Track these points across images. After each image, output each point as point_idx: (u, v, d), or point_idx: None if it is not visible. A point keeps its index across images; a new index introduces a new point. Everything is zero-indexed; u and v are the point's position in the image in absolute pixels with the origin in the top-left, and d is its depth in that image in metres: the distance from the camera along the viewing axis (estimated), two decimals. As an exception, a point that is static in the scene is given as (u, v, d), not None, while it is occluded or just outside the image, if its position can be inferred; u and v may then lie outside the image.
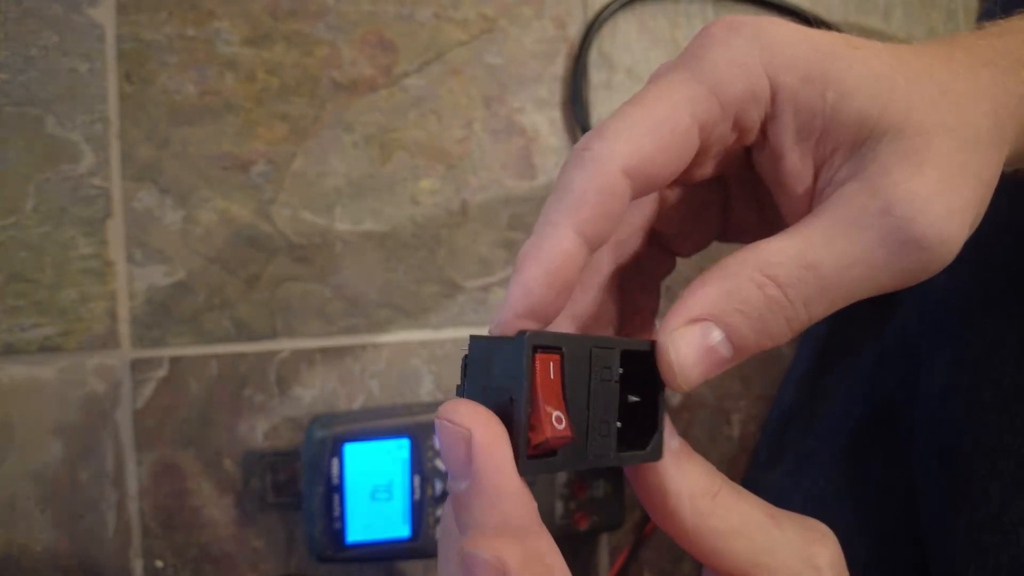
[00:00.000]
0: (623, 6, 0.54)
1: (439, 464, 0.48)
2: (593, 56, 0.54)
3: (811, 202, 0.23)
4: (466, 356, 0.21)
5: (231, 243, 0.51)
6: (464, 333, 0.53)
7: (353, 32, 0.52)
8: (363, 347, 0.52)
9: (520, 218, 0.54)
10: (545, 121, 0.54)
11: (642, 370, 0.22)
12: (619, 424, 0.21)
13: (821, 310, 0.22)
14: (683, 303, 0.22)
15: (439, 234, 0.53)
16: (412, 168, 0.53)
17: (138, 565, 0.50)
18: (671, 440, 0.23)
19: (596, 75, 0.55)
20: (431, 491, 0.48)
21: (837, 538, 0.24)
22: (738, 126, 0.23)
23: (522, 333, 0.19)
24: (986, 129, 0.22)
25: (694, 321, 0.21)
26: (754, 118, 0.22)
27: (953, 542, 0.34)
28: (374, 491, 0.48)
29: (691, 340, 0.21)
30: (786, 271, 0.21)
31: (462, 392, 0.21)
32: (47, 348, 0.49)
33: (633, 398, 0.22)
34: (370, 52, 0.52)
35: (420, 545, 0.48)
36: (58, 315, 0.49)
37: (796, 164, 0.23)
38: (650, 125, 0.21)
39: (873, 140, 0.21)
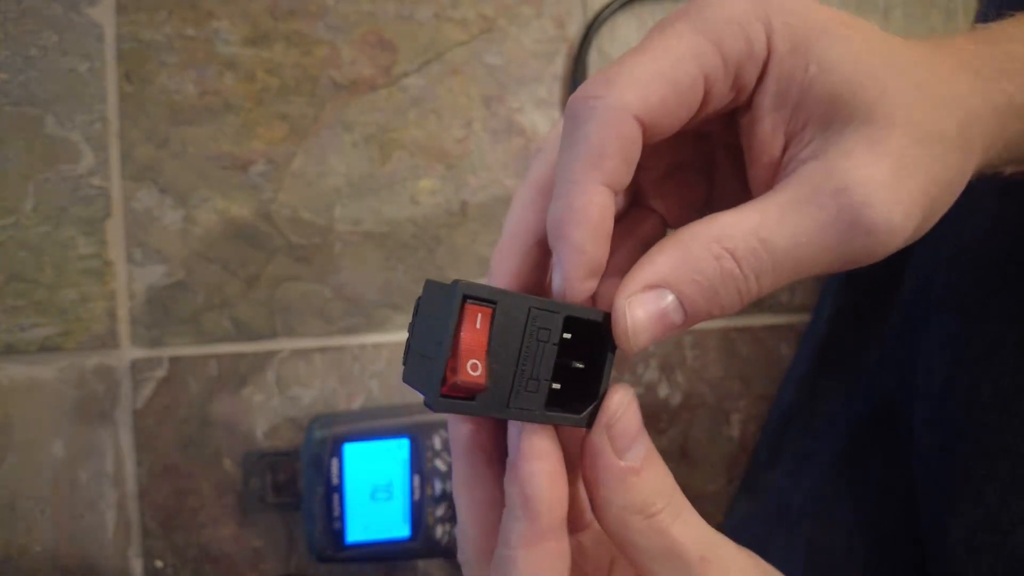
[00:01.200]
0: (623, 6, 0.54)
1: (439, 464, 0.48)
2: (593, 56, 0.54)
3: (776, 175, 0.23)
4: (419, 298, 0.22)
5: (231, 243, 0.51)
6: (464, 333, 0.53)
7: (353, 32, 0.52)
8: (363, 347, 0.52)
9: (520, 218, 0.54)
10: (545, 121, 0.54)
11: (593, 339, 0.22)
12: (557, 386, 0.22)
13: (769, 284, 0.22)
14: (640, 269, 0.22)
15: (439, 234, 0.53)
16: (412, 168, 0.53)
17: (138, 565, 0.50)
18: (640, 444, 0.22)
19: (596, 75, 0.55)
20: (431, 491, 0.48)
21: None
22: (735, 85, 0.23)
23: (456, 282, 0.20)
24: (952, 133, 0.22)
25: (649, 287, 0.22)
26: (750, 78, 0.22)
27: (952, 541, 0.34)
28: (374, 491, 0.48)
29: (646, 305, 0.22)
30: (742, 244, 0.21)
31: (412, 328, 0.22)
32: (47, 348, 0.49)
33: (578, 364, 0.22)
34: (370, 52, 0.52)
35: (420, 545, 0.48)
36: (58, 315, 0.49)
37: (768, 132, 0.23)
38: (658, 73, 0.21)
39: (841, 122, 0.22)
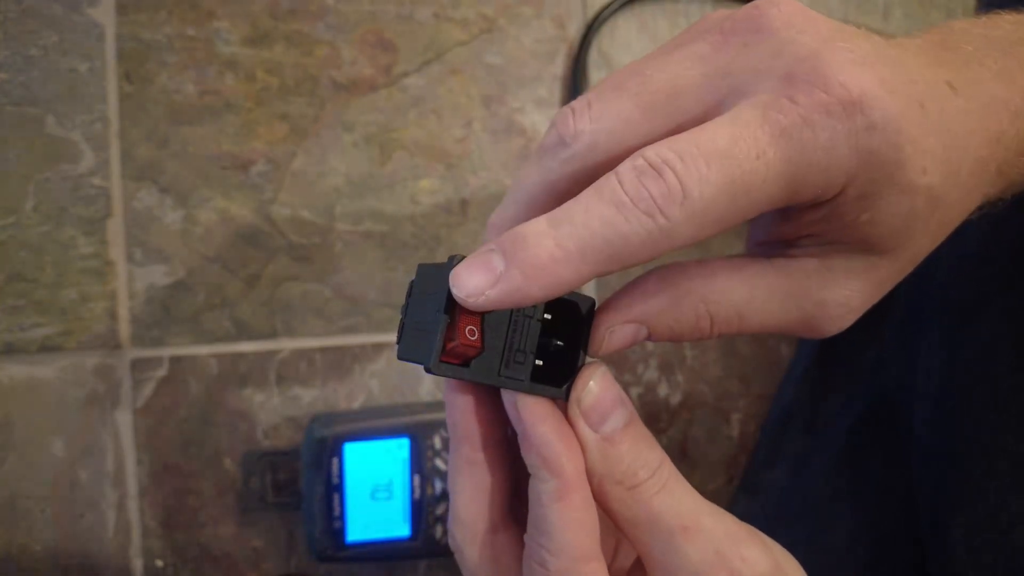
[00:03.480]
0: (623, 6, 0.54)
1: (439, 464, 0.48)
2: (593, 56, 0.54)
3: (779, 244, 0.24)
4: (412, 281, 0.24)
5: (231, 243, 0.51)
6: (464, 333, 0.53)
7: (353, 32, 0.52)
8: (363, 347, 0.52)
9: (520, 218, 0.54)
10: (545, 121, 0.54)
11: (572, 319, 0.24)
12: (540, 362, 0.23)
13: (726, 335, 0.24)
14: (628, 304, 0.23)
15: (439, 234, 0.53)
16: (412, 168, 0.53)
17: (138, 565, 0.50)
18: (616, 417, 0.23)
19: (596, 75, 0.55)
20: (431, 490, 0.48)
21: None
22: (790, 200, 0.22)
23: (452, 256, 0.22)
24: (939, 238, 0.23)
25: (630, 322, 0.23)
26: (810, 199, 0.22)
27: (951, 541, 0.34)
28: (374, 490, 0.48)
29: (624, 334, 0.23)
30: (723, 313, 0.23)
31: (405, 311, 0.24)
32: (47, 348, 0.49)
33: (558, 343, 0.24)
34: (370, 52, 0.52)
35: (420, 544, 0.48)
36: (58, 315, 0.49)
37: (794, 228, 0.23)
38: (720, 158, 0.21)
39: (859, 250, 0.23)
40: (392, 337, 0.52)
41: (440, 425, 0.48)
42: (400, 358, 0.23)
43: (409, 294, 0.24)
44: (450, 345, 0.22)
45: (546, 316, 0.24)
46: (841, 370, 0.49)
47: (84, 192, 0.49)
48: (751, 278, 0.23)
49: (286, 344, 0.51)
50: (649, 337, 0.24)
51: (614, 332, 0.23)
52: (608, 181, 0.20)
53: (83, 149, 0.49)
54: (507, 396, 0.24)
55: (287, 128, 0.51)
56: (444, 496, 0.48)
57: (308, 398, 0.51)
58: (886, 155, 0.20)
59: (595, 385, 0.23)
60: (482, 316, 0.22)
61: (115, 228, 0.50)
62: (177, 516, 0.50)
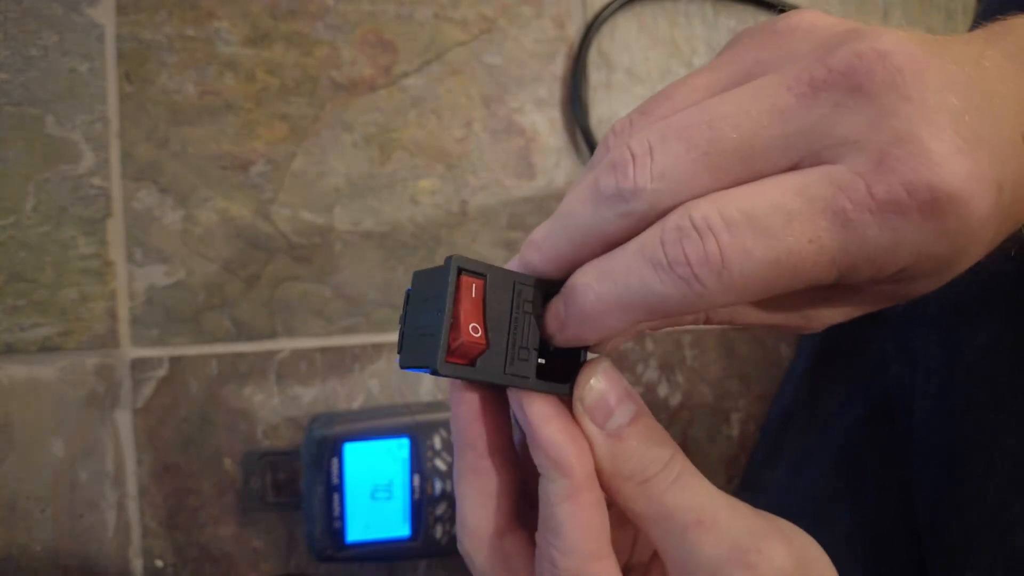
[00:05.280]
0: (622, 6, 0.54)
1: (439, 464, 0.48)
2: (592, 56, 0.54)
3: None
4: (408, 290, 0.24)
5: (231, 243, 0.51)
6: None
7: (353, 32, 0.52)
8: (363, 347, 0.52)
9: (520, 218, 0.54)
10: (545, 121, 0.54)
11: None
12: (543, 360, 0.23)
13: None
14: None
15: (439, 234, 0.53)
16: (412, 168, 0.53)
17: (138, 565, 0.50)
18: (621, 412, 0.23)
19: (595, 75, 0.55)
20: (431, 490, 0.48)
21: (824, 549, 0.24)
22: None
23: (450, 257, 0.22)
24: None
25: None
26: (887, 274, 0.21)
27: (950, 541, 0.34)
28: (374, 490, 0.48)
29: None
30: (717, 315, 0.24)
31: (404, 320, 0.24)
32: (47, 348, 0.49)
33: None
34: (370, 52, 0.52)
35: (420, 544, 0.48)
36: (58, 315, 0.49)
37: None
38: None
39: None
40: (392, 337, 0.52)
41: (440, 425, 0.48)
42: (403, 367, 0.23)
43: (407, 302, 0.24)
44: (455, 343, 0.21)
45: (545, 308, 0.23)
46: (841, 370, 0.49)
47: (84, 192, 0.49)
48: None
49: (286, 344, 0.51)
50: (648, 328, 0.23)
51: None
52: (652, 238, 0.20)
53: (83, 149, 0.49)
54: (513, 395, 0.23)
55: (287, 128, 0.51)
56: (444, 496, 0.48)
57: (308, 398, 0.51)
58: (946, 256, 0.19)
59: (597, 381, 0.23)
60: (484, 313, 0.22)
61: (115, 228, 0.50)
62: (177, 516, 0.50)
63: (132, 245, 0.50)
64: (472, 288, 0.22)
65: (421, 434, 0.48)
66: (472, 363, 0.22)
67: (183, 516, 0.50)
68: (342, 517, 0.47)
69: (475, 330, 0.22)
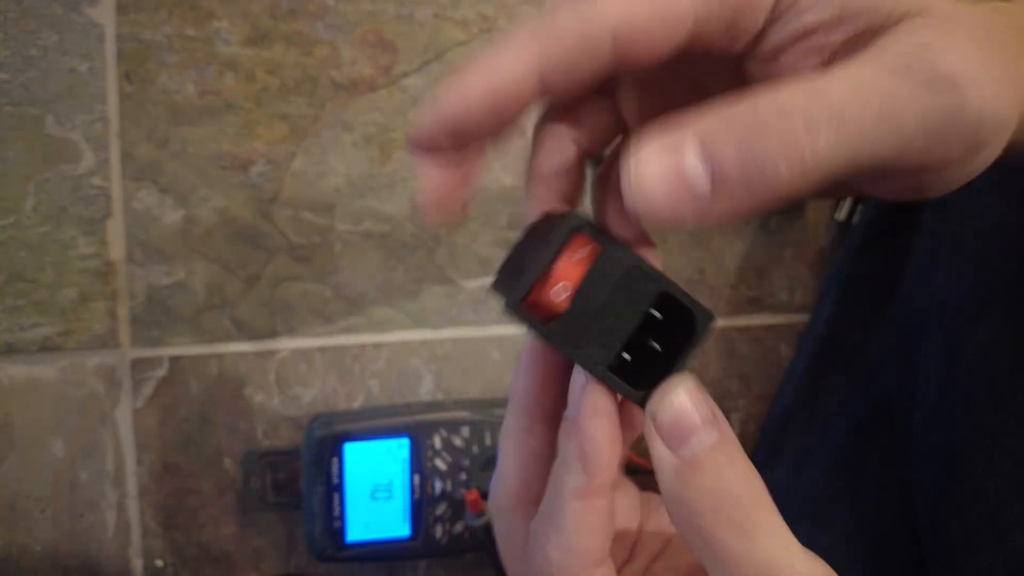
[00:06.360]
0: (623, 6, 0.54)
1: (439, 463, 0.48)
2: (593, 56, 0.54)
3: None
4: (532, 223, 0.23)
5: (231, 243, 0.51)
6: (464, 333, 0.53)
7: (353, 32, 0.52)
8: (363, 347, 0.52)
9: (520, 218, 0.54)
10: (545, 121, 0.54)
11: (680, 327, 0.21)
12: (627, 356, 0.21)
13: (833, 149, 0.18)
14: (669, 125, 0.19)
15: (439, 234, 0.53)
16: (412, 168, 0.53)
17: (138, 565, 0.50)
18: (701, 438, 0.20)
19: (596, 75, 0.55)
20: (431, 490, 0.48)
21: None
22: (730, 31, 0.20)
23: (574, 213, 0.21)
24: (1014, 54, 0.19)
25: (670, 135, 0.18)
26: (750, 25, 0.20)
27: (950, 541, 0.34)
28: (374, 490, 0.48)
29: (658, 155, 0.18)
30: (796, 95, 0.18)
31: (515, 246, 0.23)
32: (47, 348, 0.49)
33: (655, 345, 0.22)
34: (370, 52, 0.52)
35: (420, 544, 0.48)
36: (58, 315, 0.49)
37: (799, 63, 0.20)
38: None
39: (892, 24, 0.19)
40: (392, 337, 0.52)
41: (440, 425, 0.48)
42: (491, 287, 0.23)
43: (526, 233, 0.23)
44: (535, 296, 0.20)
45: (654, 312, 0.21)
46: (841, 370, 0.49)
47: (84, 192, 0.49)
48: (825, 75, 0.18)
49: (286, 344, 0.51)
50: (709, 168, 0.18)
51: (641, 151, 0.18)
52: None
53: (83, 149, 0.49)
54: (578, 374, 0.22)
55: (287, 128, 0.51)
56: (444, 496, 0.48)
57: (308, 398, 0.51)
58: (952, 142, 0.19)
59: (677, 397, 0.20)
60: (582, 279, 0.20)
61: (115, 228, 0.50)
62: (177, 516, 0.50)
63: (132, 245, 0.50)
64: (580, 252, 0.21)
65: (421, 434, 0.48)
66: (546, 320, 0.21)
67: (183, 516, 0.50)
68: (342, 517, 0.47)
69: (559, 293, 0.20)
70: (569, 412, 0.22)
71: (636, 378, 0.21)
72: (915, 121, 0.18)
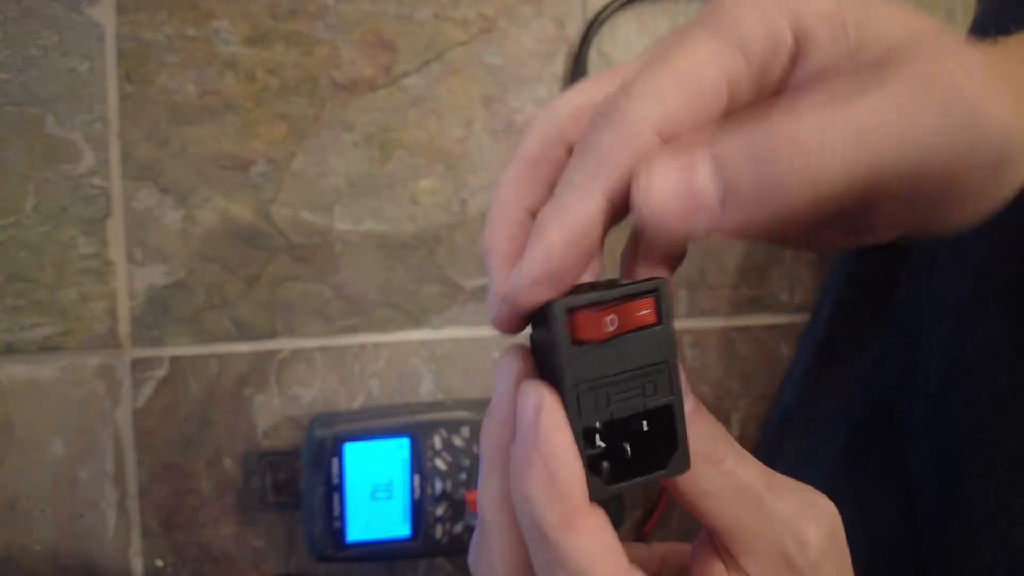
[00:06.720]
0: (623, 6, 0.54)
1: (439, 463, 0.48)
2: (593, 56, 0.54)
3: None
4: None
5: (231, 243, 0.51)
6: (464, 333, 0.53)
7: (353, 32, 0.52)
8: (363, 347, 0.52)
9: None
10: (545, 121, 0.54)
11: (658, 448, 0.22)
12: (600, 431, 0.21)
13: (848, 165, 0.18)
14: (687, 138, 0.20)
15: (439, 234, 0.53)
16: (412, 168, 0.53)
17: (138, 565, 0.50)
18: (686, 402, 0.23)
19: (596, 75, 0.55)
20: (431, 490, 0.48)
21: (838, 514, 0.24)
22: (760, 80, 0.21)
23: (663, 281, 0.21)
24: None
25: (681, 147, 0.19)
26: (776, 71, 0.21)
27: (950, 540, 0.34)
28: (374, 490, 0.48)
29: (670, 169, 0.19)
30: (813, 112, 0.18)
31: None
32: (47, 348, 0.49)
33: (626, 446, 0.22)
34: (370, 52, 0.52)
35: (420, 544, 0.48)
36: (58, 315, 0.49)
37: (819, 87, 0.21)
38: (679, 84, 0.20)
39: (905, 50, 0.19)
40: (392, 337, 0.52)
41: (440, 425, 0.48)
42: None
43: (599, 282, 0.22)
44: (588, 311, 0.20)
45: (645, 423, 0.22)
46: (841, 370, 0.49)
47: (84, 192, 0.49)
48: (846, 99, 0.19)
49: (286, 344, 0.51)
50: (722, 182, 0.19)
51: (652, 164, 0.19)
52: None
53: (83, 149, 0.49)
54: (528, 398, 0.21)
55: (287, 128, 0.51)
56: (444, 496, 0.48)
57: (308, 398, 0.51)
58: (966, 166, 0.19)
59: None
60: (627, 331, 0.20)
61: (115, 228, 0.50)
62: (177, 516, 0.50)
63: (132, 245, 0.50)
64: (645, 311, 0.20)
65: (421, 434, 0.48)
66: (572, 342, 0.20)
67: (183, 516, 0.50)
68: (342, 517, 0.47)
69: (609, 324, 0.20)
70: (520, 437, 0.21)
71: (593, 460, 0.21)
72: (934, 137, 0.18)
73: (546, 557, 0.20)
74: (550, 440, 0.20)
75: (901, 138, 0.18)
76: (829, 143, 0.18)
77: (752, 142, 0.18)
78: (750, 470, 0.23)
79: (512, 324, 0.22)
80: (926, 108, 0.18)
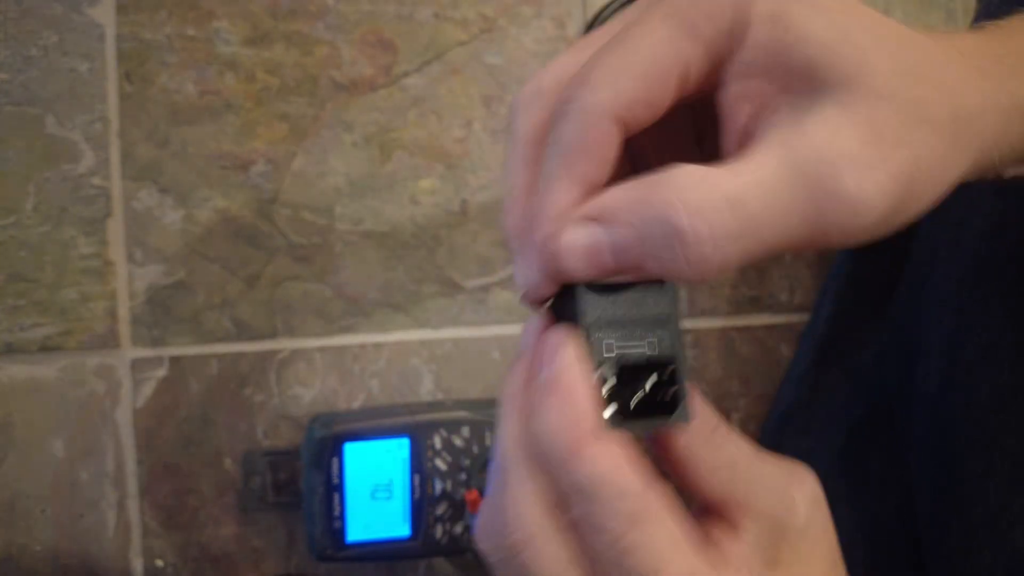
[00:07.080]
0: (622, 6, 0.54)
1: (439, 463, 0.48)
2: (593, 56, 0.54)
3: (744, 142, 0.22)
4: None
5: (231, 242, 0.51)
6: (464, 333, 0.53)
7: (353, 32, 0.52)
8: (363, 347, 0.52)
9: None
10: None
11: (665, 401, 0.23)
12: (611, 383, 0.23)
13: (730, 251, 0.20)
14: (592, 200, 0.22)
15: (439, 234, 0.53)
16: (412, 168, 0.53)
17: (138, 565, 0.50)
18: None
19: (596, 75, 0.55)
20: (431, 490, 0.48)
21: (825, 498, 0.25)
22: (712, 63, 0.22)
23: (672, 286, 0.22)
24: (942, 119, 0.21)
25: (588, 219, 0.21)
26: (727, 54, 0.22)
27: (950, 541, 0.34)
28: (374, 490, 0.48)
29: (577, 235, 0.22)
30: (700, 196, 0.20)
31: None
32: (47, 348, 0.49)
33: (644, 387, 0.23)
34: (370, 52, 0.52)
35: (420, 544, 0.48)
36: (58, 315, 0.49)
37: (736, 99, 0.22)
38: (634, 70, 0.21)
39: (817, 90, 0.21)
40: (392, 336, 0.52)
41: (440, 425, 0.48)
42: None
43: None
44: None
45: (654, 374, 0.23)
46: (841, 370, 0.49)
47: (84, 192, 0.49)
48: (725, 165, 0.21)
49: (286, 344, 0.51)
50: (613, 252, 0.21)
51: (568, 229, 0.21)
52: None
53: (83, 149, 0.49)
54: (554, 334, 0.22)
55: (287, 128, 0.51)
56: (444, 496, 0.48)
57: (308, 398, 0.51)
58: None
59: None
60: (642, 279, 0.22)
61: (115, 228, 0.50)
62: (177, 516, 0.50)
63: (132, 245, 0.50)
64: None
65: (421, 434, 0.48)
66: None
67: (183, 516, 0.50)
68: (342, 517, 0.47)
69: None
70: (541, 372, 0.22)
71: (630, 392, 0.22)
72: (806, 234, 0.20)
73: (566, 481, 0.21)
74: (569, 369, 0.21)
75: (760, 220, 0.20)
76: (700, 213, 0.20)
77: (634, 203, 0.21)
78: (739, 440, 0.24)
79: (542, 288, 0.23)
80: (788, 200, 0.20)
